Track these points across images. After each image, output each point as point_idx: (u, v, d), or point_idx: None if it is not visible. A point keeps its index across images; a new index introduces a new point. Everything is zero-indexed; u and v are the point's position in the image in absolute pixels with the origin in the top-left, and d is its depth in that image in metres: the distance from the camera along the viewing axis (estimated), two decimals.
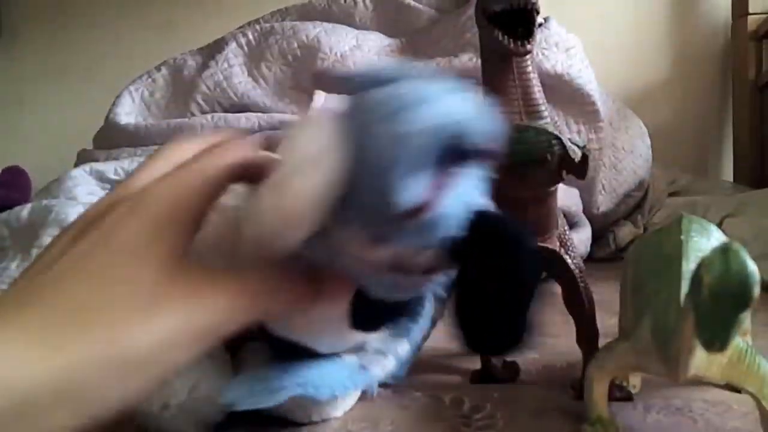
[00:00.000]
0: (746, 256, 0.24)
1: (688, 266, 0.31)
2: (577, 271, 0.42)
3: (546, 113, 0.38)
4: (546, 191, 0.40)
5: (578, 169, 0.37)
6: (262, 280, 0.26)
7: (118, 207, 0.25)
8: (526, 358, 0.50)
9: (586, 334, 0.42)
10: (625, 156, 1.06)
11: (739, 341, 0.30)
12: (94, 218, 0.25)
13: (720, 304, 0.24)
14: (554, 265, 0.42)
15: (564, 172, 0.38)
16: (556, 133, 0.37)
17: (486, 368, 0.46)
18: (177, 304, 0.23)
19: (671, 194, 1.19)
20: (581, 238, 0.94)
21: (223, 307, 0.24)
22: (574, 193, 0.96)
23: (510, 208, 0.39)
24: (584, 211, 0.98)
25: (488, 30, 0.38)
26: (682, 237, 0.33)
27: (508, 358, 0.47)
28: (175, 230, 0.24)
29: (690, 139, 1.54)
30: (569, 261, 0.42)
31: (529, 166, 0.37)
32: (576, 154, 0.37)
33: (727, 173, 1.52)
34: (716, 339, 0.25)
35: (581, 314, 0.42)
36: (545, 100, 0.39)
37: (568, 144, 0.37)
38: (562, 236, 0.42)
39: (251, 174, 0.26)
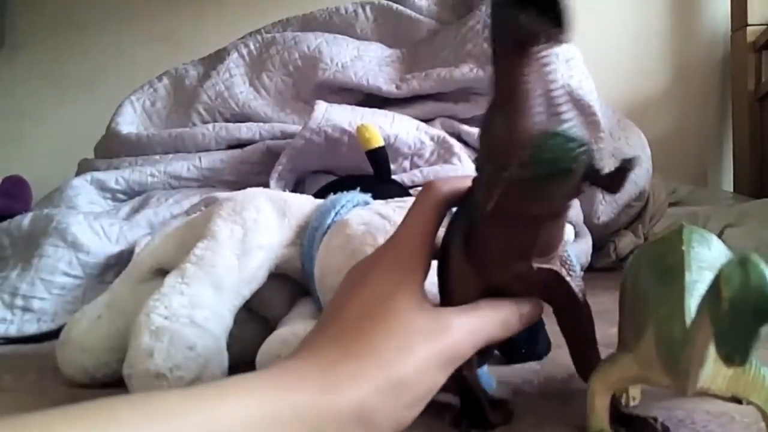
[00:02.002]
0: (766, 268, 0.24)
1: (692, 277, 0.31)
2: (581, 295, 0.37)
3: (571, 113, 0.32)
4: (565, 206, 0.34)
5: (607, 182, 0.32)
6: (493, 308, 0.34)
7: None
8: (527, 370, 0.50)
9: (588, 362, 0.38)
10: None
11: None
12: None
13: (740, 318, 0.24)
14: (555, 289, 0.37)
15: (587, 184, 0.33)
16: (585, 138, 0.32)
17: (475, 409, 0.39)
18: (423, 338, 0.29)
19: (671, 204, 1.20)
20: (582, 249, 0.94)
21: (458, 338, 0.31)
22: (574, 203, 0.96)
23: (520, 229, 0.34)
24: (585, 221, 0.98)
25: (507, 11, 0.31)
26: (684, 248, 0.33)
27: (500, 397, 0.42)
28: (415, 275, 0.32)
29: (690, 150, 1.54)
30: (572, 284, 0.37)
31: (552, 178, 0.32)
32: (601, 164, 0.32)
33: (727, 183, 1.52)
34: (737, 353, 0.24)
35: (583, 341, 0.38)
36: (568, 98, 0.33)
37: (595, 152, 0.33)
38: (563, 255, 0.37)
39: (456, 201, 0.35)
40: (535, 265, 0.35)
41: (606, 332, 0.43)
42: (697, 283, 0.31)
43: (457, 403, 0.39)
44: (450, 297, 0.36)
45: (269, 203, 0.54)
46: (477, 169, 0.34)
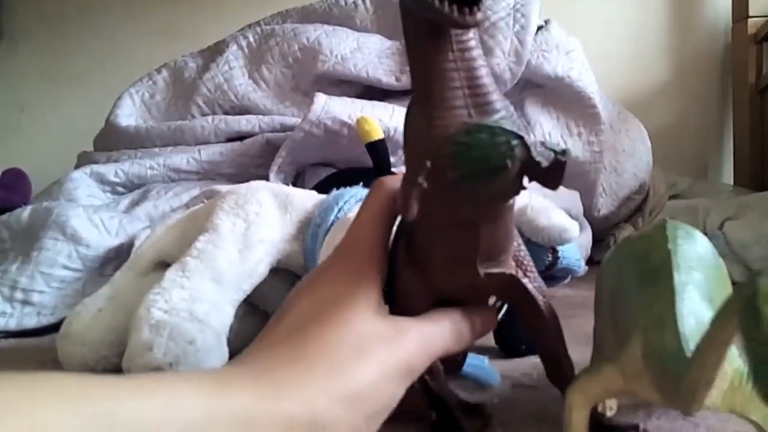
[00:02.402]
0: None
1: (680, 278, 0.28)
2: (540, 296, 0.34)
3: (500, 103, 0.27)
4: (504, 208, 0.30)
5: (547, 177, 0.27)
6: (446, 318, 0.31)
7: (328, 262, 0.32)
8: (526, 363, 0.50)
9: (555, 364, 0.35)
10: (626, 159, 1.06)
11: (740, 363, 0.27)
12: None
13: None
14: (511, 291, 0.33)
15: (526, 179, 0.28)
16: (516, 130, 0.27)
17: (448, 419, 0.37)
18: (382, 345, 0.27)
19: (671, 197, 1.19)
20: (582, 242, 0.94)
21: (416, 348, 0.28)
22: (575, 195, 0.96)
23: (456, 236, 0.30)
24: (585, 214, 0.98)
25: None
26: (670, 246, 0.30)
27: (475, 401, 0.40)
28: (371, 276, 0.30)
29: (690, 142, 1.54)
30: (529, 285, 0.33)
31: (482, 177, 0.27)
32: (543, 156, 0.27)
33: (728, 176, 1.52)
34: None
35: (548, 343, 0.35)
36: (496, 86, 0.28)
37: (532, 144, 0.27)
38: (517, 254, 0.33)
39: None
40: (483, 271, 0.30)
41: None
42: (687, 285, 0.29)
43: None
44: (399, 305, 0.32)
45: (272, 197, 0.54)
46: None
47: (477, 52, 0.27)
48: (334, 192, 0.55)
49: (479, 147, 0.26)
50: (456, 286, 0.32)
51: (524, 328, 0.35)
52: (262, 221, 0.51)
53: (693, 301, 0.28)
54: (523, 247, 0.34)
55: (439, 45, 0.27)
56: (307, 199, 0.55)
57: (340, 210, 0.52)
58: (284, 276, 0.55)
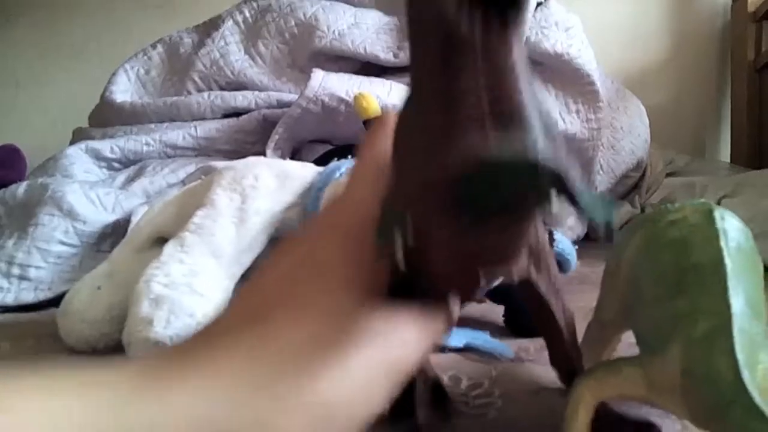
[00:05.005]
0: None
1: (734, 287, 0.24)
2: (554, 300, 0.30)
3: (529, 112, 0.18)
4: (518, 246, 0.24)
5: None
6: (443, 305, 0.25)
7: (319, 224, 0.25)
8: (523, 339, 0.50)
9: (565, 359, 0.32)
10: (624, 136, 1.06)
11: None
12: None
13: None
14: (521, 291, 0.29)
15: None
16: (549, 161, 0.18)
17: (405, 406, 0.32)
18: (374, 338, 0.21)
19: (668, 175, 1.20)
20: (579, 219, 0.94)
21: (412, 342, 0.23)
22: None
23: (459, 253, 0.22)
24: None
25: None
26: (722, 243, 0.25)
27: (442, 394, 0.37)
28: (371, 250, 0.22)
29: (688, 120, 1.54)
30: (542, 289, 0.29)
31: (499, 219, 0.21)
32: (587, 201, 0.19)
33: (725, 154, 1.52)
34: None
35: (556, 339, 0.32)
36: (532, 85, 0.19)
37: (572, 182, 0.19)
38: (534, 247, 0.27)
39: None
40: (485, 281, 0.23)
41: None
42: (739, 295, 0.24)
43: None
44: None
45: (268, 170, 0.54)
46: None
47: (515, 48, 0.18)
48: (335, 161, 0.56)
49: (495, 189, 0.19)
50: (458, 290, 0.25)
51: (534, 323, 0.32)
52: (259, 194, 0.52)
53: (745, 315, 0.24)
54: (541, 239, 0.28)
55: (458, 56, 0.18)
56: (303, 168, 0.56)
57: (341, 174, 0.53)
58: None
